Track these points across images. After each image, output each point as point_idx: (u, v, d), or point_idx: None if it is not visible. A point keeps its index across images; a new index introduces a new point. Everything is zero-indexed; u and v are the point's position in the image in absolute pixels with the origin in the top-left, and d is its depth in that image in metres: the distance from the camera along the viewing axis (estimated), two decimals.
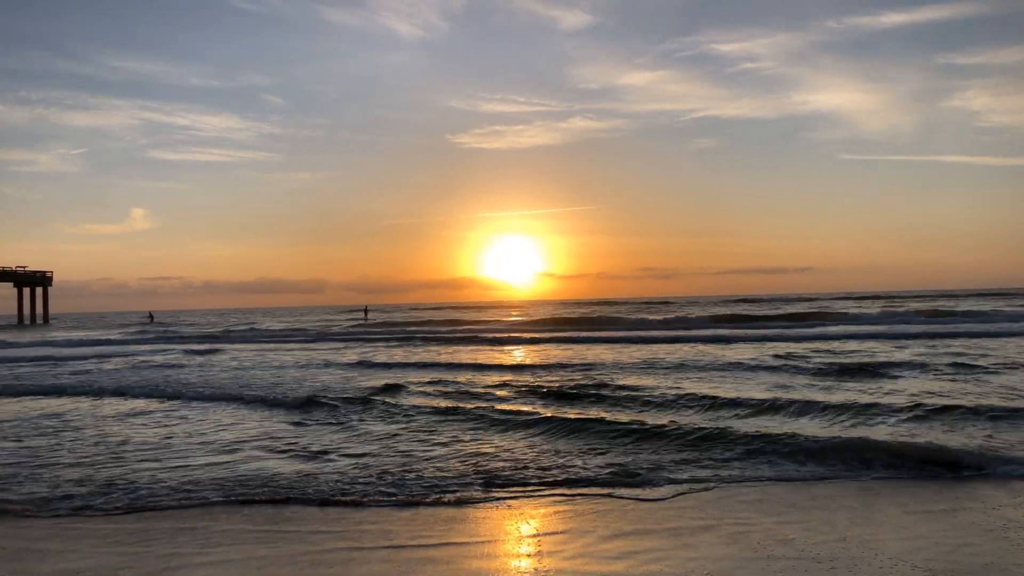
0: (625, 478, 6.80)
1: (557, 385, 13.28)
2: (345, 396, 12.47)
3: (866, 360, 16.01)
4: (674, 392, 11.77)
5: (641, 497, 6.23)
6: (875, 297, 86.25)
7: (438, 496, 6.38)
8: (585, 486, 6.61)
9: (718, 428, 8.45)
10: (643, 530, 5.33)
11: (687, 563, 4.61)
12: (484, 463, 7.53)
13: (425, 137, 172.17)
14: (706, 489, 6.41)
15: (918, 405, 9.60)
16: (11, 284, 77.54)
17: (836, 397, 10.85)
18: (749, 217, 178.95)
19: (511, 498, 6.31)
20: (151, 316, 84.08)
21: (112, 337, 40.81)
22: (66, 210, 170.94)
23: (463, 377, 15.63)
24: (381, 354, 23.34)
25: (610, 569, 4.57)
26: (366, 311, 75.43)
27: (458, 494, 6.43)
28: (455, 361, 19.88)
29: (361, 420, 10.32)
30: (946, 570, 4.37)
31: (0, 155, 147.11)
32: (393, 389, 13.39)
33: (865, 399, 10.45)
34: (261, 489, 6.68)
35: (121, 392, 14.54)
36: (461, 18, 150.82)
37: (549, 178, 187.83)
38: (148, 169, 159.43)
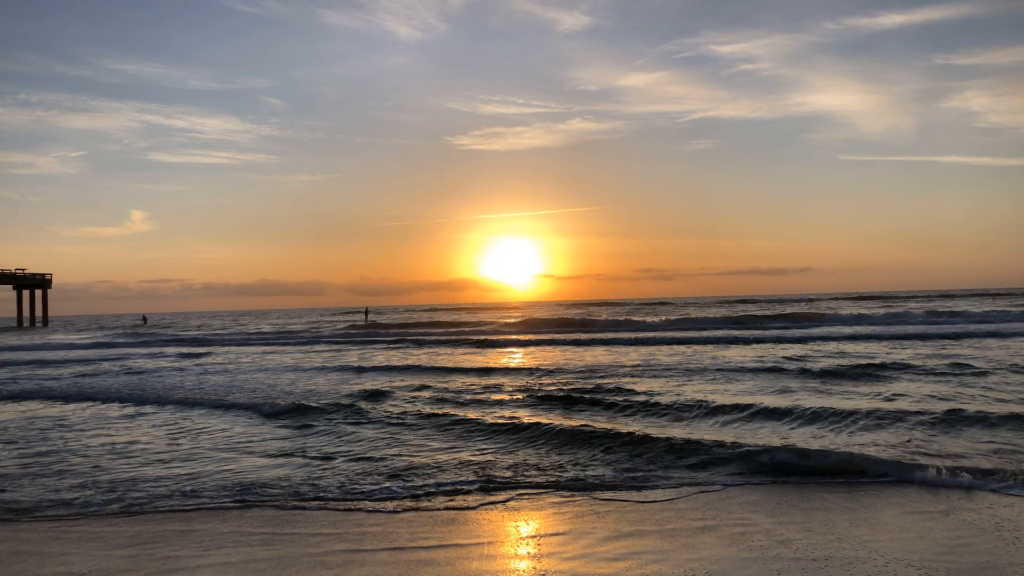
0: (624, 480, 6.80)
1: (555, 389, 13.28)
2: (333, 401, 12.41)
3: (859, 363, 15.99)
4: (670, 397, 11.77)
5: (640, 499, 6.25)
6: (874, 297, 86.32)
7: (438, 498, 6.39)
8: (584, 488, 6.63)
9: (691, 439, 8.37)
10: (643, 531, 5.34)
11: (687, 564, 4.62)
12: (483, 466, 7.54)
13: (424, 139, 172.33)
14: (705, 491, 6.42)
15: (889, 412, 9.50)
16: (10, 287, 77.55)
17: (813, 402, 10.85)
18: (748, 218, 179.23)
19: (510, 500, 6.32)
20: (144, 319, 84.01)
21: (99, 340, 40.07)
22: (65, 212, 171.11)
23: (460, 381, 15.64)
24: (374, 357, 23.32)
25: (610, 570, 4.58)
26: (367, 313, 75.41)
27: (458, 496, 6.44)
28: (452, 365, 19.86)
29: (355, 424, 10.26)
30: (945, 571, 4.39)
31: (0, 158, 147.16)
32: (384, 394, 13.23)
33: (845, 405, 10.35)
34: (261, 491, 6.69)
35: (89, 397, 14.36)
36: (460, 20, 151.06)
37: (548, 179, 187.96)
38: (147, 171, 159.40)
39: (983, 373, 13.48)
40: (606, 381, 14.14)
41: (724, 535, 5.18)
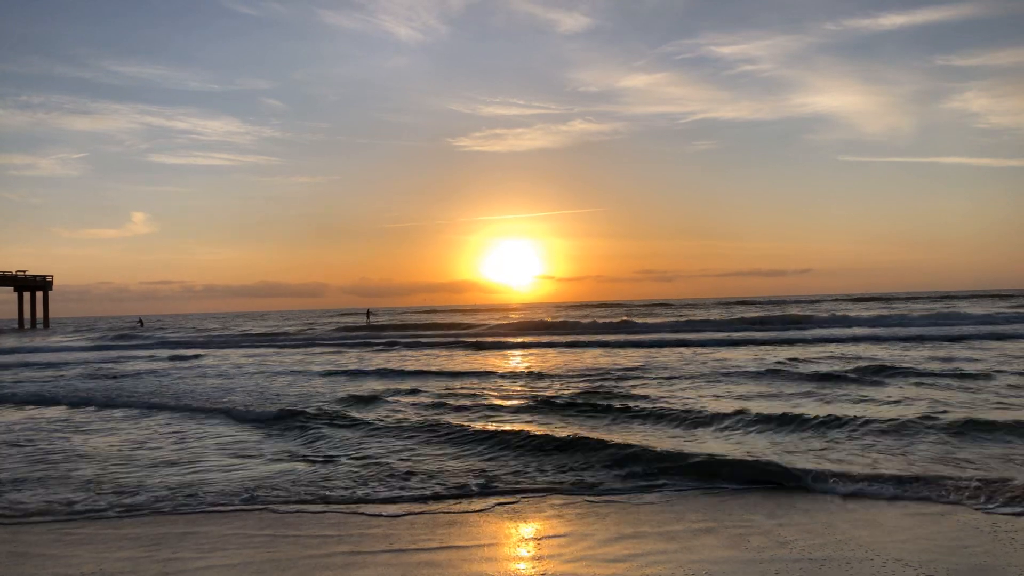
0: (624, 483, 6.81)
1: (553, 393, 13.29)
2: (328, 404, 12.38)
3: (860, 366, 16.00)
4: (669, 403, 11.77)
5: (641, 501, 6.26)
6: (874, 299, 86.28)
7: (438, 500, 6.40)
8: (584, 490, 6.63)
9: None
10: (643, 533, 5.35)
11: (687, 566, 4.63)
12: (483, 468, 7.55)
13: (425, 140, 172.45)
14: (706, 493, 6.43)
15: (894, 420, 9.46)
16: (11, 289, 77.62)
17: (811, 409, 10.86)
18: (748, 219, 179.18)
19: (511, 502, 6.32)
20: (140, 322, 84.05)
21: (89, 343, 39.45)
22: (66, 214, 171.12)
23: (458, 384, 15.65)
24: (371, 360, 23.33)
25: (610, 572, 4.58)
26: (368, 314, 75.47)
27: (458, 498, 6.45)
28: (451, 369, 19.86)
29: (350, 429, 10.16)
30: (944, 572, 4.40)
31: (1, 159, 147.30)
32: (380, 398, 13.05)
33: (848, 411, 10.38)
34: (262, 493, 6.70)
35: (56, 401, 14.35)
36: (460, 21, 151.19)
37: (549, 181, 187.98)
38: (148, 173, 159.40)
39: (982, 376, 13.46)
40: (605, 384, 14.17)
41: (724, 537, 5.19)
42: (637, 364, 17.87)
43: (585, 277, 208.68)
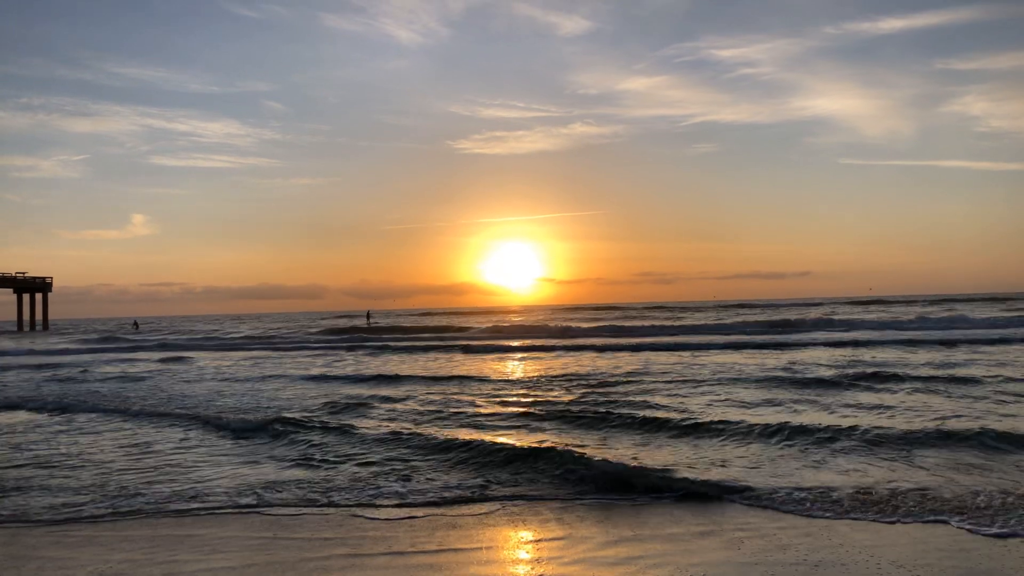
0: (622, 484, 6.81)
1: (551, 398, 13.29)
2: (322, 408, 12.38)
3: (859, 371, 15.99)
4: (666, 412, 11.75)
5: (640, 504, 6.26)
6: (874, 301, 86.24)
7: (438, 504, 6.40)
8: (583, 494, 6.63)
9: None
10: (642, 536, 5.35)
11: (686, 569, 4.63)
12: (481, 472, 7.55)
13: (425, 143, 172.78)
14: (705, 496, 6.42)
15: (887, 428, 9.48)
16: (11, 290, 77.61)
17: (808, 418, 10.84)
18: (748, 222, 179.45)
19: (510, 505, 6.32)
20: (136, 324, 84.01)
21: (73, 346, 39.11)
22: (67, 216, 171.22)
23: (457, 387, 15.63)
24: (369, 363, 23.31)
25: (609, 574, 4.59)
26: (368, 316, 75.50)
27: (457, 502, 6.45)
28: (449, 373, 19.84)
29: (345, 435, 10.14)
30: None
31: (1, 161, 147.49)
32: (375, 404, 12.94)
33: (843, 422, 10.37)
34: (260, 494, 6.71)
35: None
36: (461, 24, 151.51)
37: (549, 183, 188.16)
38: (149, 175, 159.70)
39: (981, 382, 13.45)
40: (604, 389, 14.16)
41: (724, 539, 5.19)
42: (634, 368, 17.86)
43: (585, 279, 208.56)
